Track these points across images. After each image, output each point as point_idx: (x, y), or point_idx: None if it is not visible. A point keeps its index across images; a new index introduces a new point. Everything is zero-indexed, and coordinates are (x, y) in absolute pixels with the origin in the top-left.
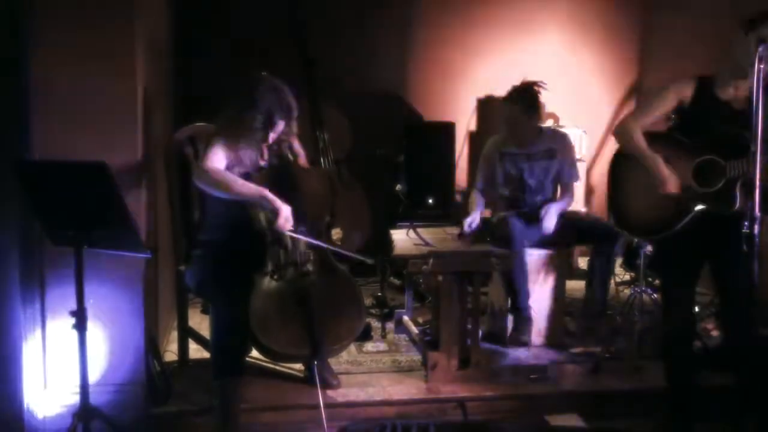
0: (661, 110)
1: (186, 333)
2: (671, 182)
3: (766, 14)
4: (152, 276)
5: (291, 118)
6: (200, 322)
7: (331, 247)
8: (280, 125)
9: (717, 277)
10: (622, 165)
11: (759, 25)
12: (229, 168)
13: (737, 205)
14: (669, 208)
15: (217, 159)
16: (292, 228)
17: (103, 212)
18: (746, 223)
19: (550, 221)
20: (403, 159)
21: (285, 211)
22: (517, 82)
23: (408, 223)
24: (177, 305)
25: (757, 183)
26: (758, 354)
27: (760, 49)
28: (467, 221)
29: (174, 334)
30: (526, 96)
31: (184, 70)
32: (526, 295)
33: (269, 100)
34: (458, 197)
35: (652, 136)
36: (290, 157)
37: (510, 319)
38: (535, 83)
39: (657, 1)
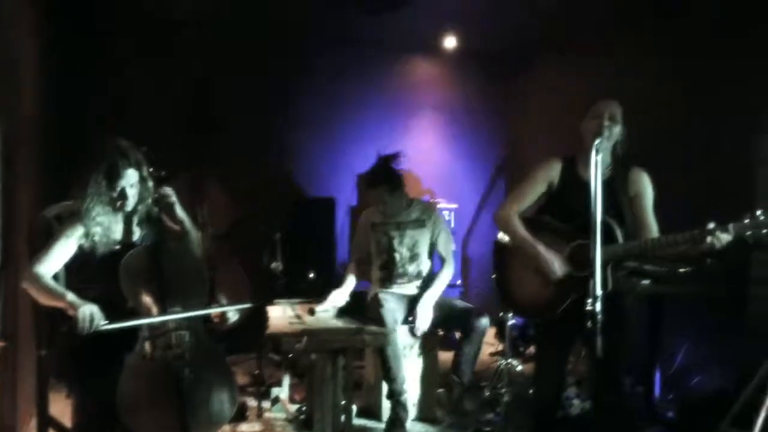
0: (533, 194)
1: (45, 421)
2: (558, 266)
3: (598, 100)
4: (11, 362)
5: (140, 169)
6: (64, 409)
7: (195, 313)
8: (130, 176)
9: (590, 351)
10: (503, 249)
11: (593, 106)
12: (86, 253)
13: (610, 287)
14: (550, 292)
15: (45, 261)
16: (99, 326)
17: None
18: (590, 301)
19: (423, 321)
20: (280, 236)
21: (82, 313)
22: (374, 161)
23: (285, 300)
24: (37, 392)
25: (597, 265)
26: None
27: (596, 142)
28: (332, 296)
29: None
30: (385, 175)
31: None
32: (402, 381)
33: (112, 155)
34: (340, 270)
35: (527, 222)
36: (168, 229)
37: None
38: (392, 157)
39: (522, 86)
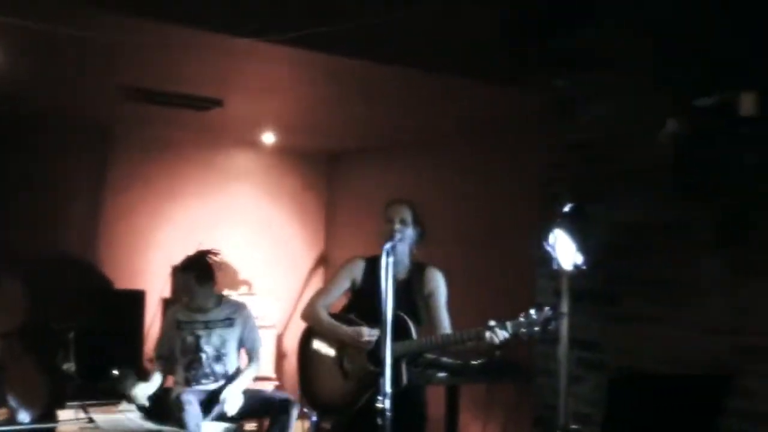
0: (338, 291)
1: None
2: (368, 332)
3: (391, 202)
4: None
5: None
6: None
7: None
8: None
9: None
10: (308, 344)
11: (385, 210)
12: None
13: (404, 381)
14: (349, 388)
15: None
16: None
17: None
18: (380, 397)
19: (232, 404)
20: (74, 334)
21: None
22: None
23: (78, 403)
24: None
25: (388, 363)
26: None
27: (387, 246)
28: (138, 389)
29: None
30: (198, 265)
31: None
32: None
33: None
34: (149, 366)
35: (332, 318)
36: None
37: None
38: (208, 251)
39: (339, 182)
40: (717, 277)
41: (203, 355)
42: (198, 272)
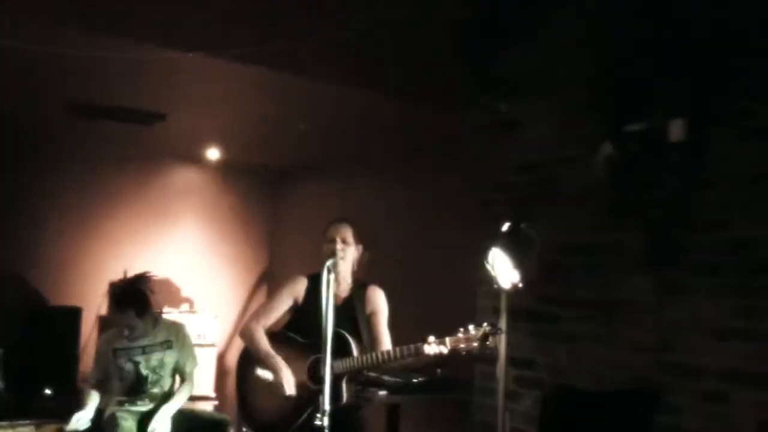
0: (279, 310)
1: None
2: (290, 385)
3: (332, 221)
4: None
5: None
6: None
7: None
8: None
9: None
10: (247, 363)
11: (327, 229)
12: None
13: (344, 399)
14: (288, 406)
15: None
16: None
17: None
18: (318, 415)
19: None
20: (2, 353)
21: None
22: (120, 281)
23: (7, 422)
24: None
25: (327, 380)
26: None
27: (328, 263)
28: (75, 418)
29: None
30: (136, 300)
31: None
32: None
33: None
34: (83, 386)
35: (272, 335)
36: None
37: None
38: (139, 278)
39: (283, 199)
40: (647, 297)
41: (141, 380)
42: (137, 308)
